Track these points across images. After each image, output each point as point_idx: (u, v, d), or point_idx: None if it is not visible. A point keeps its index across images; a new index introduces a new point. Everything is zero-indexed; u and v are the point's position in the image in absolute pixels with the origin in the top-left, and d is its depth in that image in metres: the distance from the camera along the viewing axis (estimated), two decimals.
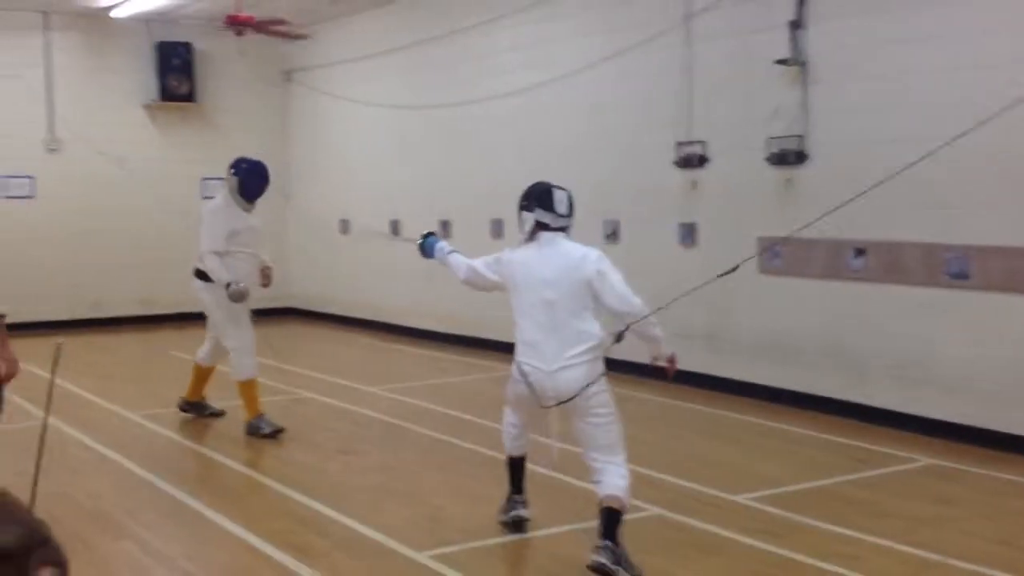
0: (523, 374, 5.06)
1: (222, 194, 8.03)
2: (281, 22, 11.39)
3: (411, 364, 11.45)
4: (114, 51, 14.09)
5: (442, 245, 5.75)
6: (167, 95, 14.24)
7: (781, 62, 8.50)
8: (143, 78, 14.25)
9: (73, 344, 12.72)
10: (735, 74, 9.06)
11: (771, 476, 6.68)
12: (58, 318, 13.67)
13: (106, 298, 14.08)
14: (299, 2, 12.66)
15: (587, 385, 4.94)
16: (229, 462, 7.28)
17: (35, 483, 3.37)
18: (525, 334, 5.08)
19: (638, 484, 6.40)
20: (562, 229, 5.17)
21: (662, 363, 5.29)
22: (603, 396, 5.05)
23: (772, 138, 8.66)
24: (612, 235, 10.26)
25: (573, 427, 5.15)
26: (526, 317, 5.08)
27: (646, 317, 4.99)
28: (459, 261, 5.60)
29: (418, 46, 12.65)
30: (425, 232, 5.92)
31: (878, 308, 8.07)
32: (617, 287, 4.98)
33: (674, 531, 5.66)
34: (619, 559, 4.81)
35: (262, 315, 14.92)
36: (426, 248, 5.80)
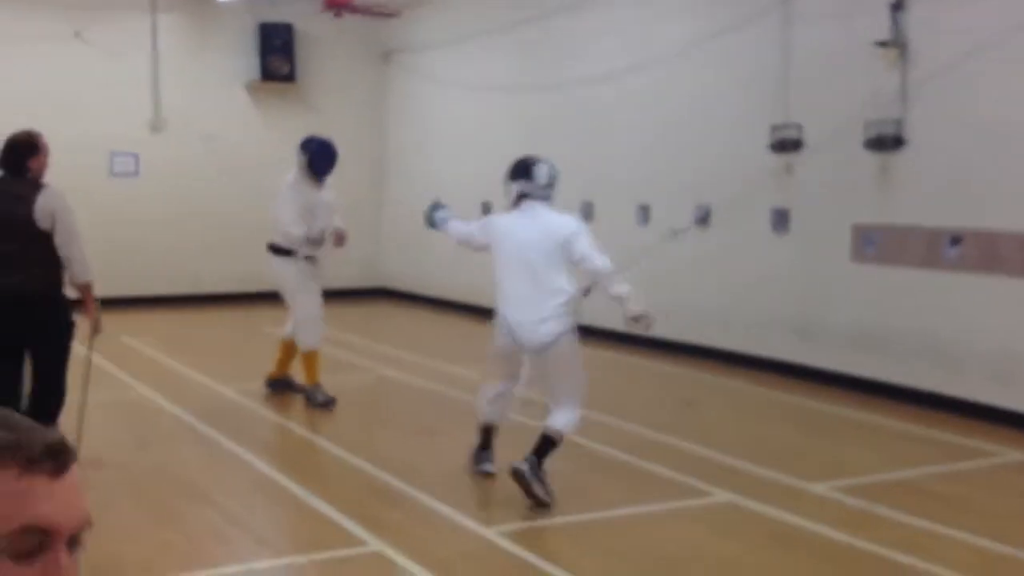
0: (508, 326, 5.74)
1: (294, 172, 8.25)
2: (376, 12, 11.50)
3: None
4: (217, 32, 14.37)
5: (443, 215, 6.40)
6: (268, 75, 14.48)
7: (881, 44, 8.29)
8: (245, 59, 14.51)
9: (172, 319, 13.16)
10: (833, 56, 8.86)
11: (854, 467, 6.54)
12: (159, 293, 14.04)
13: (205, 275, 14.40)
14: None
15: (561, 334, 5.64)
16: (312, 436, 7.41)
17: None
18: (508, 290, 5.78)
19: (712, 469, 6.37)
20: (543, 198, 5.84)
21: (635, 325, 5.77)
22: (573, 346, 5.77)
23: (869, 122, 8.45)
24: (704, 219, 10.14)
25: (545, 373, 5.85)
26: (509, 275, 5.78)
27: (610, 276, 5.61)
28: (455, 227, 6.30)
29: (513, 28, 12.65)
30: (432, 204, 6.51)
31: (974, 299, 7.83)
32: (587, 248, 5.64)
33: (746, 518, 5.59)
34: (537, 474, 5.56)
35: (356, 295, 15.26)
36: (432, 219, 6.45)
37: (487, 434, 6.22)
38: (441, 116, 14.36)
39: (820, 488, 6.05)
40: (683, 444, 7.01)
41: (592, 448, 6.88)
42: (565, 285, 5.71)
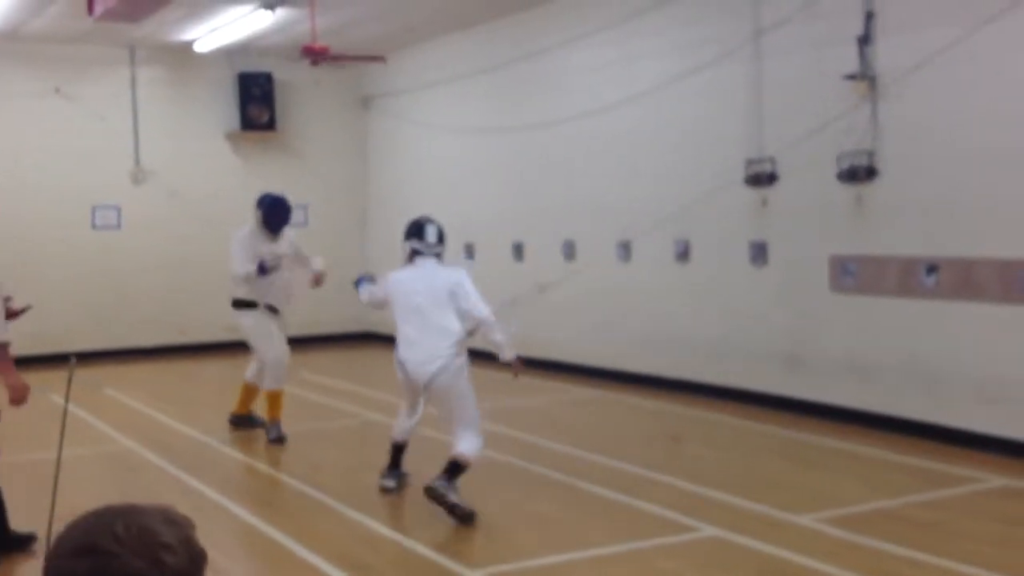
0: (401, 364, 6.50)
1: (250, 224, 8.77)
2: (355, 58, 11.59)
3: (486, 387, 11.47)
4: (197, 83, 14.47)
5: (362, 283, 7.26)
6: (248, 124, 14.57)
7: (850, 77, 8.40)
8: (225, 108, 14.61)
9: (155, 370, 13.13)
10: (804, 90, 8.97)
11: (838, 497, 6.56)
12: (142, 344, 14.03)
13: (191, 325, 14.40)
14: (375, 29, 12.88)
15: (444, 370, 6.32)
16: (298, 484, 7.39)
17: (52, 505, 3.47)
18: (402, 334, 6.52)
19: (698, 504, 6.38)
20: (434, 255, 6.68)
21: (508, 365, 6.61)
22: (460, 379, 6.43)
23: (842, 154, 8.55)
24: (683, 254, 10.21)
25: (439, 406, 6.51)
26: (404, 321, 6.52)
27: (490, 325, 6.49)
28: (365, 289, 7.16)
29: (493, 70, 12.77)
30: (359, 276, 7.49)
31: (953, 326, 7.89)
32: (472, 297, 6.49)
33: (733, 552, 5.60)
34: (451, 486, 6.11)
35: (343, 340, 15.25)
36: (355, 286, 7.36)
37: (396, 452, 7.01)
38: (422, 159, 14.45)
39: (806, 520, 6.07)
40: (670, 480, 7.02)
41: (578, 486, 6.90)
42: (453, 326, 6.43)
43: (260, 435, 8.81)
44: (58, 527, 1.38)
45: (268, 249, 8.62)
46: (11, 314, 5.74)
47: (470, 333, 6.59)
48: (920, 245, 8.07)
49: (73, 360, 3.93)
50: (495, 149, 12.92)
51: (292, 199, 14.50)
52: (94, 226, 13.96)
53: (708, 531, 5.89)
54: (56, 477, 3.75)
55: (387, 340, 14.97)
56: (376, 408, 9.94)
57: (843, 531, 5.81)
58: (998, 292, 7.54)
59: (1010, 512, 6.21)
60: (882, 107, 8.30)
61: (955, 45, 7.77)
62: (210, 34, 13.07)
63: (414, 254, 6.69)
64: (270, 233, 8.72)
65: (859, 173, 8.44)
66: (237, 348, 14.27)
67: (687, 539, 5.84)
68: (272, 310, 8.71)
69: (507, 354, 6.55)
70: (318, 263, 8.90)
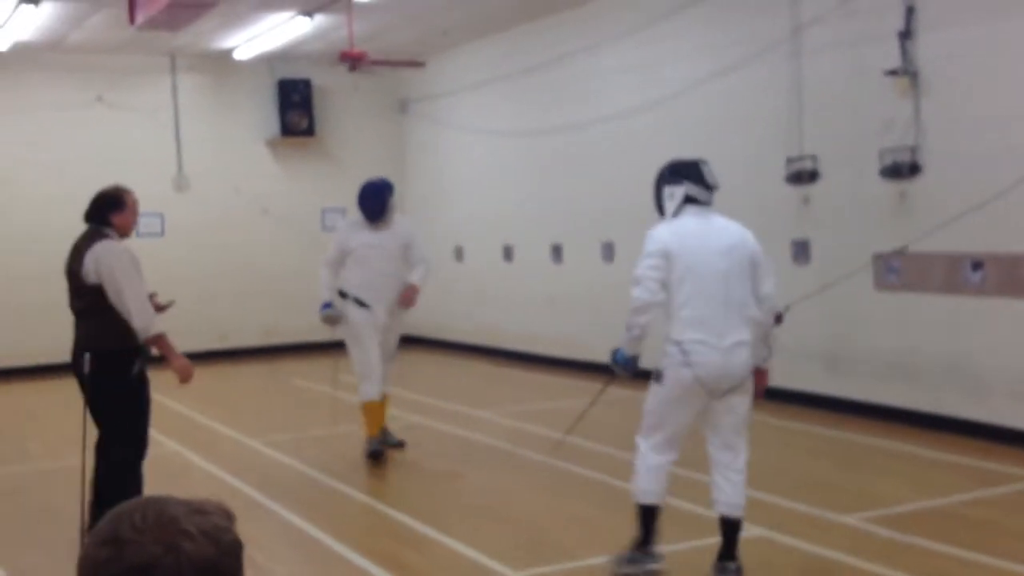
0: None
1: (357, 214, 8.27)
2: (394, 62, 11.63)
3: (525, 389, 11.48)
4: (237, 90, 14.58)
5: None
6: (288, 130, 14.66)
7: (891, 73, 8.31)
8: (265, 115, 14.71)
9: (201, 375, 13.24)
10: (845, 86, 8.88)
11: (885, 497, 6.48)
12: (186, 349, 14.08)
13: (232, 330, 14.49)
14: (411, 34, 12.92)
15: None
16: (340, 485, 7.41)
17: (82, 505, 3.50)
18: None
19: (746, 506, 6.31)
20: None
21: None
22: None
23: (884, 151, 8.46)
24: None
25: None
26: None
27: None
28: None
29: (526, 73, 12.76)
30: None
31: (998, 323, 7.78)
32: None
33: (778, 552, 5.54)
34: None
35: None
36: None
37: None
38: (460, 162, 14.47)
39: (851, 520, 6.00)
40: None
41: (621, 487, 6.85)
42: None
43: (302, 438, 8.82)
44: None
45: (359, 241, 8.02)
46: (158, 308, 6.15)
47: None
48: (965, 241, 7.96)
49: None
50: (532, 151, 12.91)
51: (330, 204, 14.80)
52: (138, 234, 14.01)
53: (752, 531, 5.82)
54: (83, 478, 3.80)
55: (427, 343, 15.04)
56: (416, 410, 9.94)
57: (890, 531, 5.74)
58: None
59: None
60: (924, 102, 8.20)
61: (996, 38, 7.67)
62: (249, 42, 13.16)
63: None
64: (369, 222, 8.10)
65: (902, 169, 8.35)
66: (278, 352, 14.40)
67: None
68: (361, 304, 8.05)
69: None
70: (416, 275, 8.20)
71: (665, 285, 5.02)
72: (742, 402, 5.10)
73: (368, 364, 8.05)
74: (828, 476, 7.18)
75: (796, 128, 9.29)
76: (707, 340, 4.95)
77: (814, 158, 9.17)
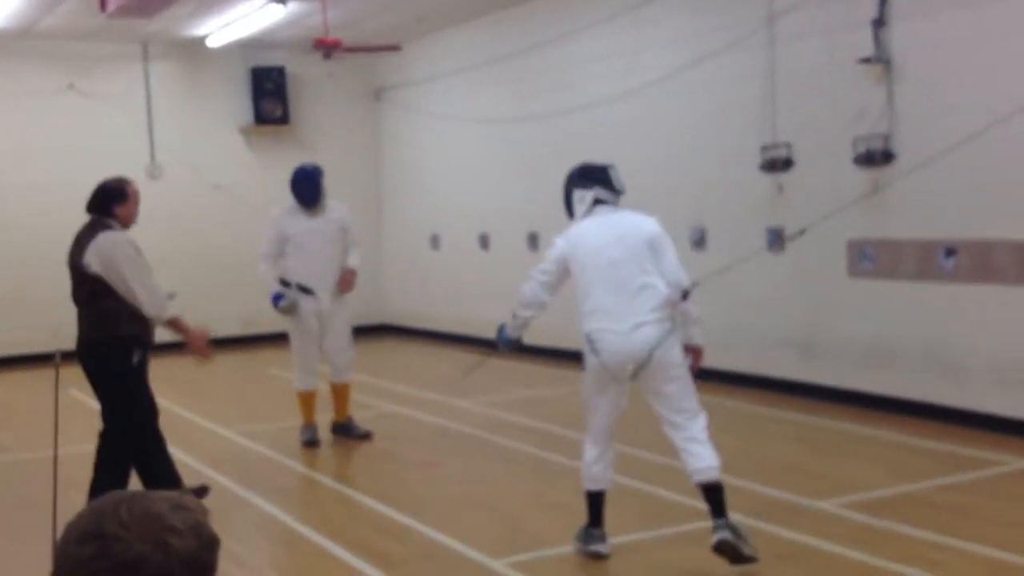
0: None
1: (289, 203, 8.36)
2: (370, 48, 11.59)
3: (502, 378, 11.47)
4: (210, 78, 14.47)
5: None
6: (261, 118, 14.57)
7: (865, 61, 8.34)
8: (238, 103, 14.61)
9: (175, 365, 13.14)
10: (819, 74, 8.92)
11: (859, 482, 6.53)
12: (163, 340, 14.03)
13: (209, 319, 14.37)
14: (386, 21, 12.86)
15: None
16: (315, 474, 7.41)
17: (55, 501, 3.50)
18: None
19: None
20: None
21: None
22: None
23: (858, 138, 8.50)
24: (699, 242, 10.17)
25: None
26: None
27: None
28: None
29: (505, 60, 12.74)
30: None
31: (972, 309, 7.85)
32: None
33: (755, 540, 5.54)
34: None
35: (357, 332, 15.22)
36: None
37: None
38: (435, 150, 14.43)
39: (826, 505, 6.04)
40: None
41: None
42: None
43: (279, 428, 8.80)
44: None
45: (298, 228, 8.10)
46: None
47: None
48: (938, 228, 8.02)
49: (58, 357, 4.05)
50: (508, 139, 12.89)
51: None
52: None
53: (731, 518, 5.85)
54: (55, 472, 3.80)
55: (404, 332, 15.02)
56: (392, 399, 9.94)
57: (866, 516, 5.78)
58: (1017, 274, 7.48)
59: None
60: (897, 90, 8.24)
61: (970, 26, 7.72)
62: (222, 29, 13.06)
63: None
64: (305, 208, 8.15)
65: (875, 157, 8.39)
66: (254, 341, 14.33)
67: (706, 526, 5.79)
68: (305, 291, 8.14)
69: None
70: (353, 258, 8.29)
71: (554, 288, 5.60)
72: (665, 382, 5.21)
73: (307, 354, 8.22)
74: (803, 462, 7.23)
75: (770, 116, 9.32)
76: (607, 327, 5.21)
77: (788, 146, 9.20)
